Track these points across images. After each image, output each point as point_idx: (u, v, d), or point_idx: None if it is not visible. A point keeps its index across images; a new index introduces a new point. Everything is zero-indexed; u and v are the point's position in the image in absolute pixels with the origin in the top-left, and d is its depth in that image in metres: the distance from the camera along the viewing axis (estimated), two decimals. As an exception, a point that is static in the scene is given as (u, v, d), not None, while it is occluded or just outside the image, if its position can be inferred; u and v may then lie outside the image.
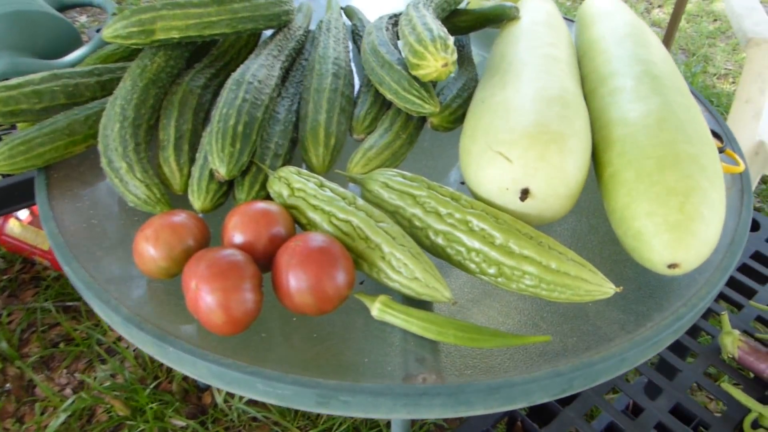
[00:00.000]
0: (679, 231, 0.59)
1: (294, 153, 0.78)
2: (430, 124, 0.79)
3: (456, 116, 0.80)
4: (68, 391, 1.50)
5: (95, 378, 1.52)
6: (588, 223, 0.74)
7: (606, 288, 0.60)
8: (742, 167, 0.83)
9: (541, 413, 0.89)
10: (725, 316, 0.88)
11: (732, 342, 0.84)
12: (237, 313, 0.56)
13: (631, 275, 0.68)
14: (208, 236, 0.65)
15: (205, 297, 0.56)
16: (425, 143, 0.87)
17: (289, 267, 0.58)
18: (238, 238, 0.62)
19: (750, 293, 1.00)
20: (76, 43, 1.08)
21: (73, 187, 0.77)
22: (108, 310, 0.62)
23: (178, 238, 0.61)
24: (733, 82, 2.94)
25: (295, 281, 0.57)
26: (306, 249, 0.58)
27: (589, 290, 0.60)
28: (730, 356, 0.85)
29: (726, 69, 3.07)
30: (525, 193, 0.63)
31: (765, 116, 1.50)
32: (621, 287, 0.60)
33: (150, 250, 0.61)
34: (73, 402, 1.46)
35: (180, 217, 0.63)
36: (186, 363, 0.58)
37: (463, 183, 0.79)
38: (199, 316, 0.57)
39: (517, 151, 0.63)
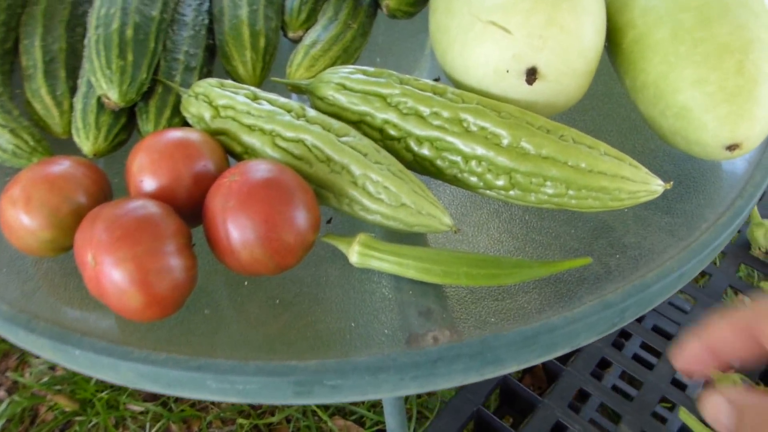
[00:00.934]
0: (740, 100, 0.45)
1: (213, 66, 0.59)
2: (386, 8, 0.61)
3: (415, -5, 0.62)
4: (1, 393, 1.31)
5: (30, 374, 1.33)
6: (599, 110, 0.59)
7: (653, 186, 0.45)
8: None
9: (535, 375, 0.76)
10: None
11: (764, 234, 0.72)
12: (161, 289, 0.39)
13: (667, 167, 0.53)
14: (108, 189, 0.47)
15: (109, 273, 0.38)
16: (378, 38, 0.69)
17: (227, 212, 0.40)
18: (149, 183, 0.44)
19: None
20: None
21: None
22: (-22, 309, 0.44)
23: (61, 194, 0.43)
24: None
25: (237, 231, 0.40)
26: (247, 184, 0.41)
27: (633, 191, 0.45)
28: (763, 250, 0.74)
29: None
30: (532, 74, 0.46)
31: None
32: (671, 181, 0.46)
33: (22, 217, 0.42)
34: (9, 405, 1.27)
35: (61, 165, 0.44)
36: (103, 367, 0.41)
37: (437, 80, 0.62)
38: (107, 301, 0.40)
39: (517, 16, 0.46)
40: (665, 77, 0.47)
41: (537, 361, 0.43)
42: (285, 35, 0.61)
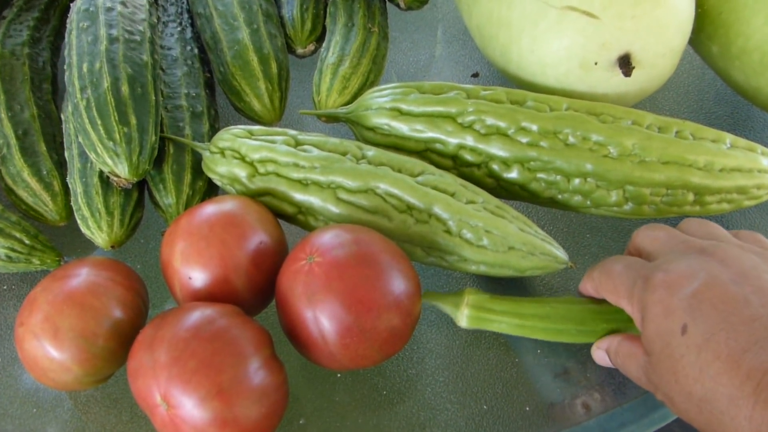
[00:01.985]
0: None
1: (218, 104, 0.49)
2: (402, 1, 0.52)
3: (431, -19, 0.54)
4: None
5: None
6: (672, 84, 0.52)
7: (790, 172, 0.38)
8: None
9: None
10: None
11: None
12: (254, 420, 0.31)
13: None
14: (144, 291, 0.37)
15: (191, 417, 0.29)
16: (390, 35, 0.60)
17: (315, 304, 0.32)
18: (200, 278, 0.35)
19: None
20: None
21: None
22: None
23: (94, 316, 0.33)
24: None
25: (333, 326, 0.32)
26: (333, 265, 0.32)
27: (771, 183, 0.38)
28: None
29: None
30: (626, 62, 0.39)
31: None
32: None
33: (51, 352, 0.33)
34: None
35: (81, 275, 0.35)
36: None
37: (475, 75, 0.54)
38: (187, 445, 0.31)
39: (601, -4, 0.38)
40: (777, 38, 0.40)
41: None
42: (291, 52, 0.52)
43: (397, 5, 0.53)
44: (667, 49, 0.39)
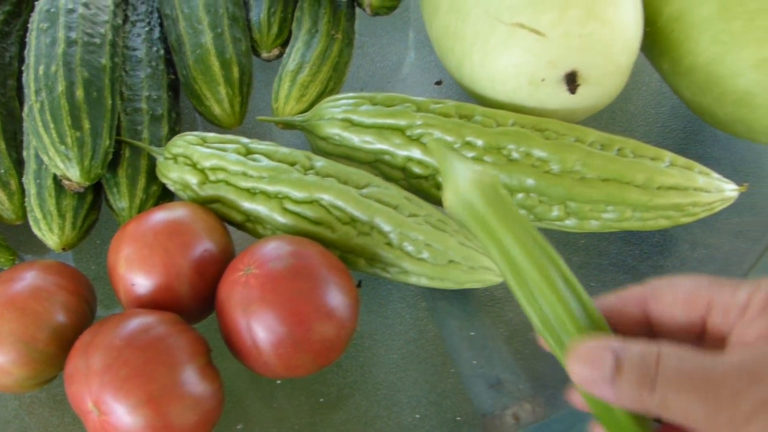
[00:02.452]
0: (814, 77, 0.39)
1: (180, 106, 0.50)
2: (369, 8, 0.53)
3: (398, -13, 0.54)
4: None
5: None
6: (627, 100, 0.52)
7: (728, 192, 0.39)
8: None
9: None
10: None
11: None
12: (186, 426, 0.32)
13: (718, 154, 0.48)
14: (90, 295, 0.38)
15: (120, 424, 0.30)
16: (356, 40, 0.61)
17: (250, 315, 0.33)
18: (143, 284, 0.36)
19: None
20: None
21: None
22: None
23: (36, 320, 0.34)
24: None
25: (268, 336, 0.33)
26: (269, 278, 0.33)
27: (708, 203, 0.39)
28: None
29: None
30: (572, 80, 0.39)
31: None
32: (745, 183, 0.40)
33: (-8, 355, 0.34)
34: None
35: (26, 279, 0.36)
36: None
37: (438, 83, 0.55)
38: (122, 449, 0.32)
39: (548, 13, 0.39)
40: (720, 60, 0.41)
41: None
42: (257, 55, 0.52)
43: (364, 10, 0.54)
44: (614, 67, 0.40)
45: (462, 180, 0.27)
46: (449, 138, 0.39)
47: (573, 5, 0.38)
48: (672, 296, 0.25)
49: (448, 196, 0.27)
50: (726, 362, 0.21)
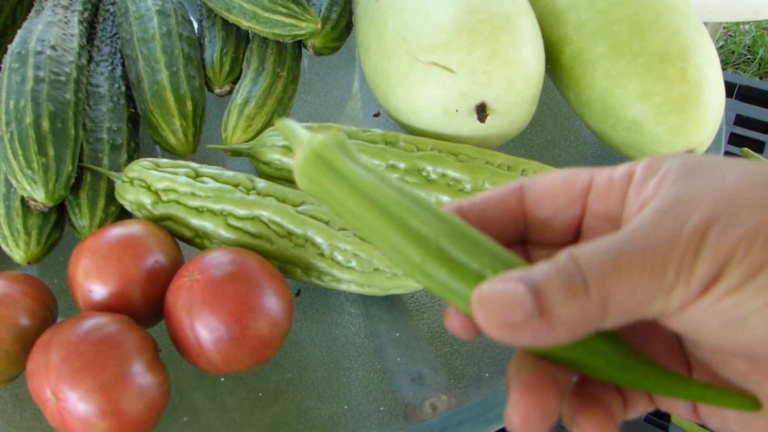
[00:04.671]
0: (689, 107, 0.45)
1: (140, 137, 0.55)
2: (312, 48, 0.58)
3: (339, 30, 0.60)
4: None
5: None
6: (544, 125, 0.59)
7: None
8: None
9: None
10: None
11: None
12: (134, 414, 0.36)
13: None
14: (52, 302, 0.42)
15: (75, 409, 0.34)
16: (304, 75, 0.67)
17: (193, 316, 0.37)
18: (99, 291, 0.40)
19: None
20: None
21: None
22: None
23: (1, 322, 0.38)
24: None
25: (208, 334, 0.37)
26: (210, 282, 0.38)
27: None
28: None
29: None
30: (482, 110, 0.45)
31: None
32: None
33: (-40, 355, 0.38)
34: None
35: (-6, 287, 0.40)
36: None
37: (376, 115, 0.60)
38: (76, 436, 0.36)
39: (457, 54, 0.45)
40: (611, 92, 0.47)
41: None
42: (210, 90, 0.58)
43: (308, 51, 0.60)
44: (518, 99, 0.46)
45: (304, 144, 0.25)
46: (376, 161, 0.45)
47: (478, 47, 0.44)
48: (551, 179, 0.23)
49: (295, 165, 0.25)
50: (646, 226, 0.19)
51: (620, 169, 0.22)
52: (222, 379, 0.42)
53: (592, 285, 0.19)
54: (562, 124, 0.58)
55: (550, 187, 0.23)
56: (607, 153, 0.55)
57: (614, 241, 0.19)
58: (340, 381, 0.42)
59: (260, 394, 0.41)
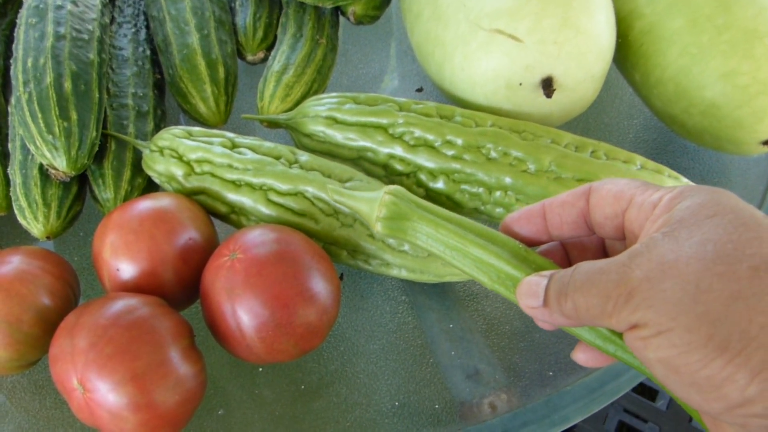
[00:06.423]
0: (775, 88, 0.41)
1: (166, 105, 0.51)
2: (353, 15, 0.54)
3: (381, -3, 0.56)
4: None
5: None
6: (601, 108, 0.55)
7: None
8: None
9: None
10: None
11: None
12: (169, 407, 0.32)
13: (686, 164, 0.50)
14: (74, 280, 0.39)
15: (105, 401, 0.31)
16: (340, 47, 0.62)
17: (234, 299, 0.34)
18: (128, 270, 0.36)
19: None
20: None
21: None
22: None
23: (21, 302, 0.35)
24: None
25: (251, 320, 0.33)
26: (253, 262, 0.34)
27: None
28: None
29: None
30: (549, 84, 0.41)
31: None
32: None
33: (-26, 336, 0.34)
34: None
35: (12, 262, 0.36)
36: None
37: (419, 90, 0.56)
38: (103, 429, 0.32)
39: (525, 21, 0.41)
40: (687, 72, 0.43)
41: (597, 409, 0.39)
42: (242, 58, 0.54)
43: (348, 19, 0.56)
44: (588, 75, 0.42)
45: (374, 203, 0.30)
46: (430, 136, 0.41)
47: (549, 14, 0.40)
48: (607, 190, 0.27)
49: (372, 221, 0.30)
50: (615, 262, 0.24)
51: (653, 196, 0.25)
52: (260, 369, 0.38)
53: (568, 296, 0.25)
54: (618, 108, 0.54)
55: (604, 197, 0.27)
56: (669, 140, 0.51)
57: (593, 267, 0.24)
58: (388, 375, 0.38)
59: (302, 387, 0.37)
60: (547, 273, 0.26)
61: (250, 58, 0.53)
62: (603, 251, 0.30)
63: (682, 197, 0.24)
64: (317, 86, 0.49)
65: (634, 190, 0.26)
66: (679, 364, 0.22)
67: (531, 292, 0.26)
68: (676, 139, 0.50)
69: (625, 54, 0.47)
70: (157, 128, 0.47)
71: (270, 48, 0.53)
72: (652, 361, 0.23)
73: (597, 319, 0.24)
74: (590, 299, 0.24)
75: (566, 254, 0.30)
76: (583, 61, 0.41)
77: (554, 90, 0.41)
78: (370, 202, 0.30)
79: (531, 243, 0.29)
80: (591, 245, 0.30)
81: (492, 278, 0.28)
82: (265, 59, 0.53)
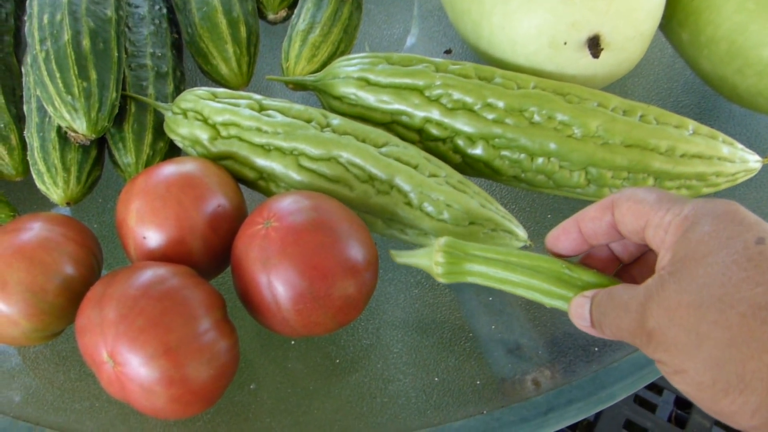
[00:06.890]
0: (836, 48, 0.39)
1: (185, 66, 0.48)
2: (379, -28, 0.51)
3: (408, -47, 0.53)
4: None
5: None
6: (644, 75, 0.52)
7: (752, 163, 0.39)
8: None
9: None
10: None
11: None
12: (202, 381, 0.30)
13: (733, 129, 0.47)
14: (97, 248, 0.37)
15: (137, 375, 0.29)
16: (363, 7, 0.60)
17: (270, 269, 0.32)
18: (155, 238, 0.34)
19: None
20: None
21: None
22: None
23: (44, 270, 0.33)
24: None
25: (288, 291, 0.32)
26: (290, 230, 0.32)
27: (732, 174, 0.39)
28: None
29: None
30: (596, 44, 0.39)
31: None
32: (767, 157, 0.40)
33: (-3, 306, 0.32)
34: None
35: (33, 229, 0.34)
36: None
37: (448, 51, 0.54)
38: (135, 404, 0.31)
39: (574, -25, 0.38)
40: (743, 29, 0.40)
41: (643, 386, 0.37)
42: (262, 17, 0.51)
43: (373, -24, 0.53)
44: (637, 33, 0.40)
45: (431, 257, 0.32)
46: (469, 99, 0.38)
47: (599, -34, 0.38)
48: (627, 207, 0.29)
49: (437, 274, 0.32)
50: (638, 294, 0.26)
51: (665, 219, 0.27)
52: (292, 342, 0.37)
53: (604, 325, 0.28)
54: (657, 72, 0.52)
55: (625, 214, 0.29)
56: (714, 105, 0.48)
57: (620, 302, 0.27)
58: (427, 349, 0.36)
59: (337, 361, 0.36)
60: (589, 294, 0.29)
61: (271, 17, 0.51)
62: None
63: (687, 224, 0.26)
64: (344, 46, 0.47)
65: (649, 209, 0.28)
66: (697, 399, 0.25)
67: (578, 314, 0.30)
68: (722, 104, 0.48)
69: (673, 11, 0.45)
70: (177, 90, 0.45)
71: (291, 6, 0.51)
72: (679, 389, 0.26)
73: (627, 337, 0.27)
74: (621, 333, 0.27)
75: (611, 250, 0.32)
76: (633, 18, 0.39)
77: (602, 49, 0.39)
78: (428, 254, 0.33)
79: (576, 254, 0.32)
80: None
81: (546, 299, 0.31)
82: (286, 18, 0.51)
